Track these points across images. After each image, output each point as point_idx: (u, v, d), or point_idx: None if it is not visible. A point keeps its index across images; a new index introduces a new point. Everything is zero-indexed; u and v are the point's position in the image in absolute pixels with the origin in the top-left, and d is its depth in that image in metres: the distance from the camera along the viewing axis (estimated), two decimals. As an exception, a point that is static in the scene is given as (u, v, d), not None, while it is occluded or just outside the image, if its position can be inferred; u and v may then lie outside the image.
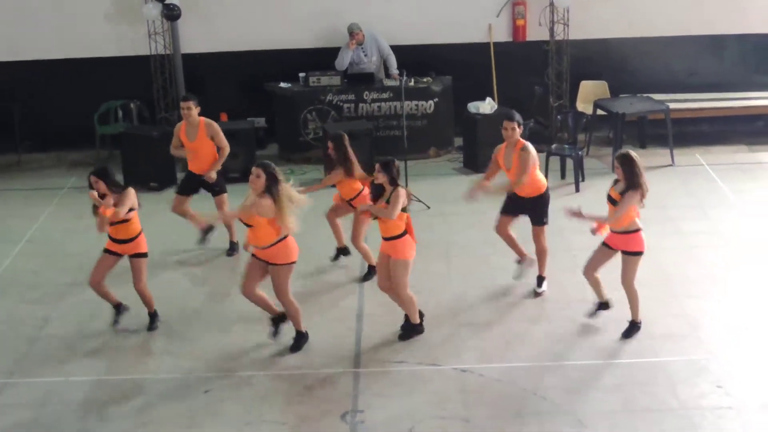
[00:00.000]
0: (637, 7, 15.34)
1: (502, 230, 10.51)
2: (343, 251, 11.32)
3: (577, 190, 13.38)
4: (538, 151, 14.34)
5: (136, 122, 15.32)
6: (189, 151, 11.56)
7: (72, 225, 12.62)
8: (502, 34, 15.52)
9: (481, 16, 15.39)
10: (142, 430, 8.42)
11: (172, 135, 11.75)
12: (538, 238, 10.44)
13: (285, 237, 9.13)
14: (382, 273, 9.61)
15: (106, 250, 9.77)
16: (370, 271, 10.89)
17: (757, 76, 15.60)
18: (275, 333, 9.65)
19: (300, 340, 9.58)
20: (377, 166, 9.43)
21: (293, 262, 9.28)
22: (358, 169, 10.66)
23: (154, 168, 13.94)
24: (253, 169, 9.12)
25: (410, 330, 9.74)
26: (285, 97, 14.81)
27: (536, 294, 10.51)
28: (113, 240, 9.71)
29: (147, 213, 11.96)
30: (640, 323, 9.58)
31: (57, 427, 8.51)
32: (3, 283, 11.28)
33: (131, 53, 15.31)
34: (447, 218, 12.50)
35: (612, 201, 9.29)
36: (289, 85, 14.95)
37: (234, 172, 13.63)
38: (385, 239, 9.44)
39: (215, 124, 11.54)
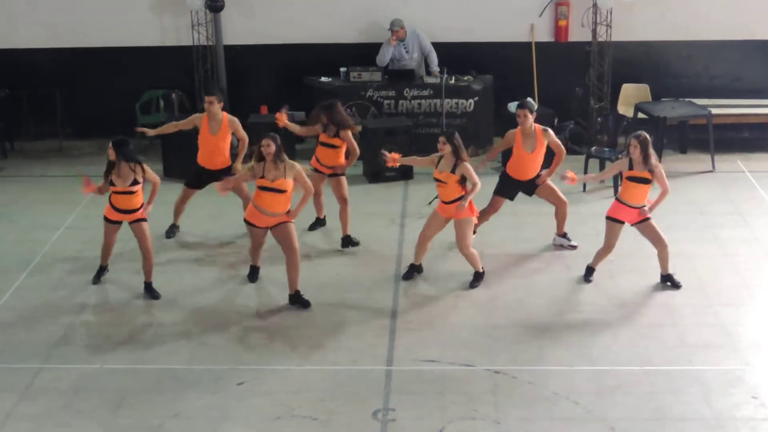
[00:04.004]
0: (680, 10, 15.25)
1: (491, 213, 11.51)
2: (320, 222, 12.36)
3: (616, 192, 13.28)
4: (578, 153, 14.41)
5: (177, 112, 15.37)
6: (206, 146, 11.75)
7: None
8: (544, 33, 15.47)
9: (523, 16, 15.36)
10: (174, 420, 8.47)
11: None
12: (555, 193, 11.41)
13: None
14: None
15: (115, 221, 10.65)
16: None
17: (802, 83, 15.47)
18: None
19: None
20: (442, 138, 10.43)
21: None
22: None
23: (194, 158, 13.94)
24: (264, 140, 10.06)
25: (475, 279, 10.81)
26: (325, 92, 14.82)
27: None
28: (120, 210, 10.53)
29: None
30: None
31: (89, 414, 8.57)
32: (41, 268, 11.39)
33: (174, 43, 15.43)
34: (483, 218, 12.46)
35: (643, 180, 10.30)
36: (330, 79, 15.00)
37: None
38: (447, 203, 10.48)
39: (236, 119, 11.85)
